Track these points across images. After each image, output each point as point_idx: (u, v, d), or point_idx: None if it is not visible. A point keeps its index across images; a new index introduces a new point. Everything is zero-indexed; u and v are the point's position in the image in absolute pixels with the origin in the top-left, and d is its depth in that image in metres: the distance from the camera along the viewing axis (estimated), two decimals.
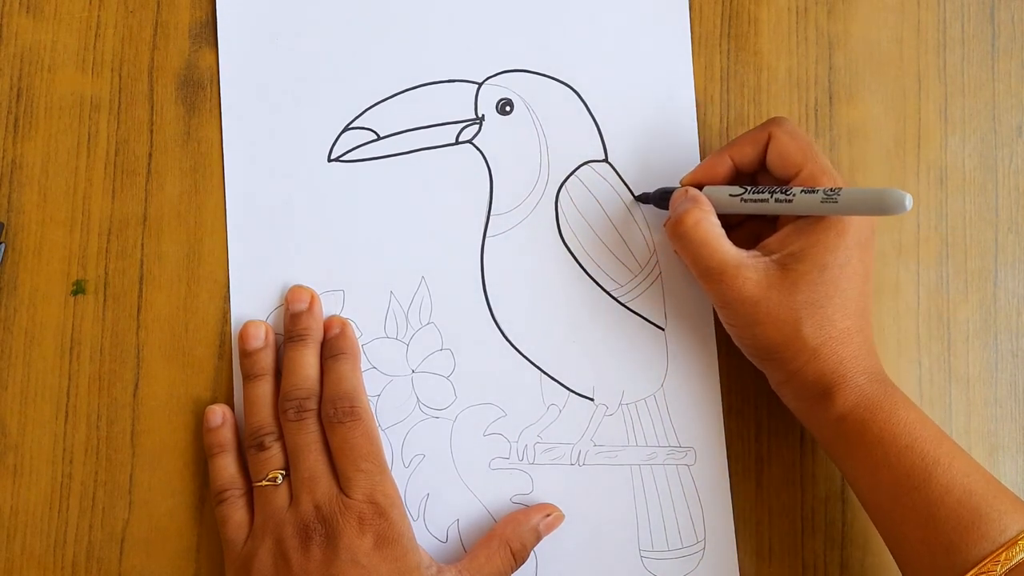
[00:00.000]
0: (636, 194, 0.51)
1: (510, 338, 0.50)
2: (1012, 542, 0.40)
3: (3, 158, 0.51)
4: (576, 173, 0.51)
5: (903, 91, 0.53)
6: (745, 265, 0.45)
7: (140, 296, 0.50)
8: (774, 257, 0.45)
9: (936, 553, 0.41)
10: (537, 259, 0.51)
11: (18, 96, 0.51)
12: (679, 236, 0.46)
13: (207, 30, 0.52)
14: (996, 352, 0.52)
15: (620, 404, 0.50)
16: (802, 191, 0.44)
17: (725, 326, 0.47)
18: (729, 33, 0.53)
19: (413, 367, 0.50)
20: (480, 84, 0.52)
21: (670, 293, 0.51)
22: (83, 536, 0.49)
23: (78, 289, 0.50)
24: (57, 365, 0.50)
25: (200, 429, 0.49)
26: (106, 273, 0.50)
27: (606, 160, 0.51)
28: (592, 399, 0.50)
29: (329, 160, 0.51)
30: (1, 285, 0.50)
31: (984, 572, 0.40)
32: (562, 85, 0.52)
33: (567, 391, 0.50)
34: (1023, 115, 0.53)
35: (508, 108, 0.51)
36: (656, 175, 0.51)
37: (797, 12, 0.53)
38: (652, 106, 0.52)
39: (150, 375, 0.50)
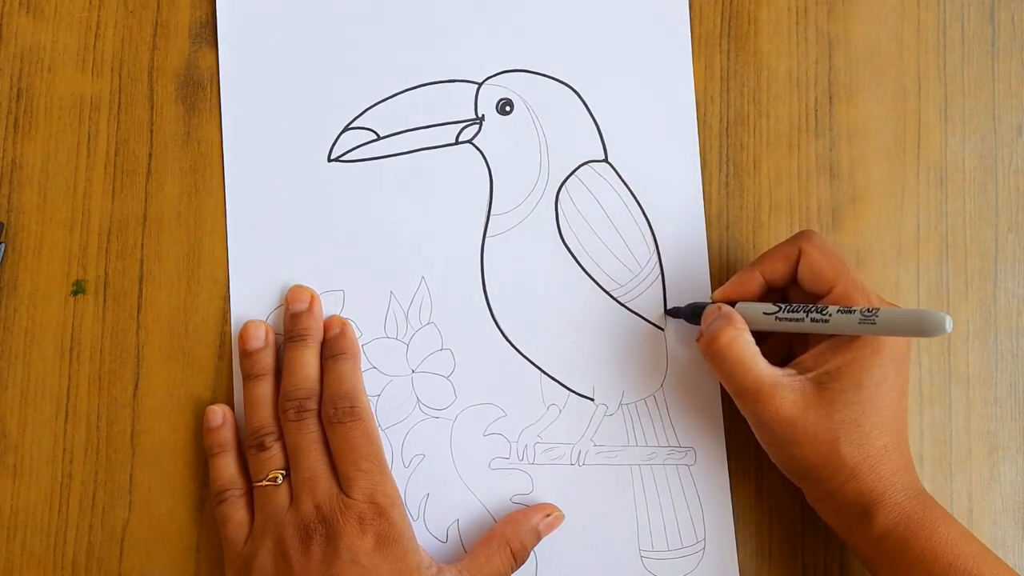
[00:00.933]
0: (667, 308, 0.50)
1: (510, 338, 0.50)
2: None
3: (3, 158, 0.51)
4: (576, 173, 0.51)
5: (903, 91, 0.53)
6: (781, 385, 0.44)
7: (140, 296, 0.50)
8: (810, 375, 0.45)
9: None
10: (537, 259, 0.51)
11: (18, 96, 0.51)
12: (713, 354, 0.46)
13: (207, 30, 0.52)
14: (996, 352, 0.52)
15: (620, 404, 0.50)
16: (839, 311, 0.44)
17: (762, 444, 0.47)
18: (729, 33, 0.53)
19: (413, 367, 0.50)
20: (480, 84, 0.52)
21: (670, 293, 0.51)
22: (83, 536, 0.49)
23: (78, 289, 0.50)
24: (57, 365, 0.50)
25: (200, 429, 0.49)
26: (106, 273, 0.50)
27: (606, 160, 0.51)
28: (592, 399, 0.50)
29: (329, 160, 0.51)
30: (1, 285, 0.50)
31: None
32: (562, 85, 0.52)
33: (567, 391, 0.50)
34: (1023, 115, 0.53)
35: (508, 108, 0.51)
36: (656, 175, 0.51)
37: (797, 12, 0.53)
38: (652, 106, 0.52)
39: (150, 375, 0.50)
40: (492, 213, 0.51)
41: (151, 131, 0.51)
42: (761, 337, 0.47)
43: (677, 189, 0.51)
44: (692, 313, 0.49)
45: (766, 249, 0.48)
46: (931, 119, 0.53)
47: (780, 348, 0.49)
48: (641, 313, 0.51)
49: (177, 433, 0.50)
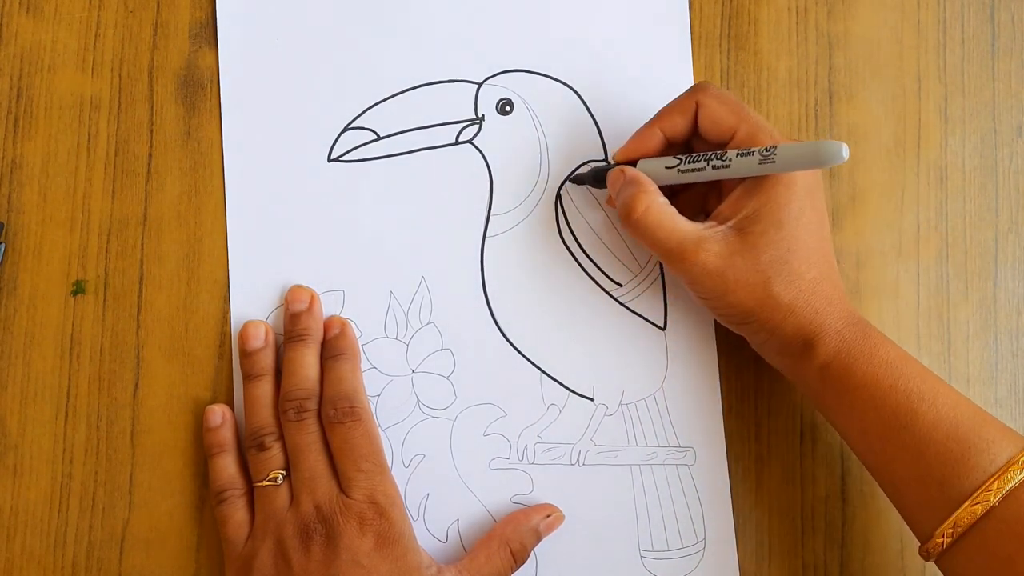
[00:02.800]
0: (570, 176, 0.50)
1: (510, 338, 0.50)
2: (1003, 470, 0.40)
3: (3, 158, 0.51)
4: (571, 178, 0.51)
5: (903, 91, 0.53)
6: (704, 238, 0.45)
7: (140, 296, 0.50)
8: (730, 224, 0.45)
9: (930, 488, 0.42)
10: (537, 259, 0.51)
11: (18, 96, 0.51)
12: (632, 224, 0.46)
13: (207, 30, 0.52)
14: (996, 352, 0.52)
15: (620, 404, 0.50)
16: (738, 154, 0.44)
17: (696, 300, 0.47)
18: (729, 33, 0.53)
19: (413, 367, 0.50)
20: (480, 84, 0.52)
21: (670, 293, 0.51)
22: (83, 536, 0.49)
23: (78, 289, 0.50)
24: (57, 365, 0.50)
25: (200, 429, 0.49)
26: (106, 273, 0.50)
27: (606, 160, 0.51)
28: (592, 399, 0.50)
29: (329, 160, 0.51)
30: (1, 285, 0.50)
31: (978, 502, 0.40)
32: (562, 85, 0.52)
33: (567, 391, 0.50)
34: (1023, 115, 0.53)
35: (508, 108, 0.51)
36: None
37: (797, 12, 0.53)
38: (652, 106, 0.52)
39: (150, 375, 0.50)
40: (492, 213, 0.51)
41: (151, 131, 0.51)
42: (675, 192, 0.48)
43: None
44: (595, 177, 0.49)
45: None
46: (931, 119, 0.53)
47: (695, 202, 0.49)
48: (641, 313, 0.51)
49: (177, 433, 0.50)
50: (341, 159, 0.51)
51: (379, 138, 0.51)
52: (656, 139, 0.47)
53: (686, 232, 0.45)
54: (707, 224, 0.45)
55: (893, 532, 0.50)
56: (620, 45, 0.52)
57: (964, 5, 0.54)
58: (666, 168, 0.46)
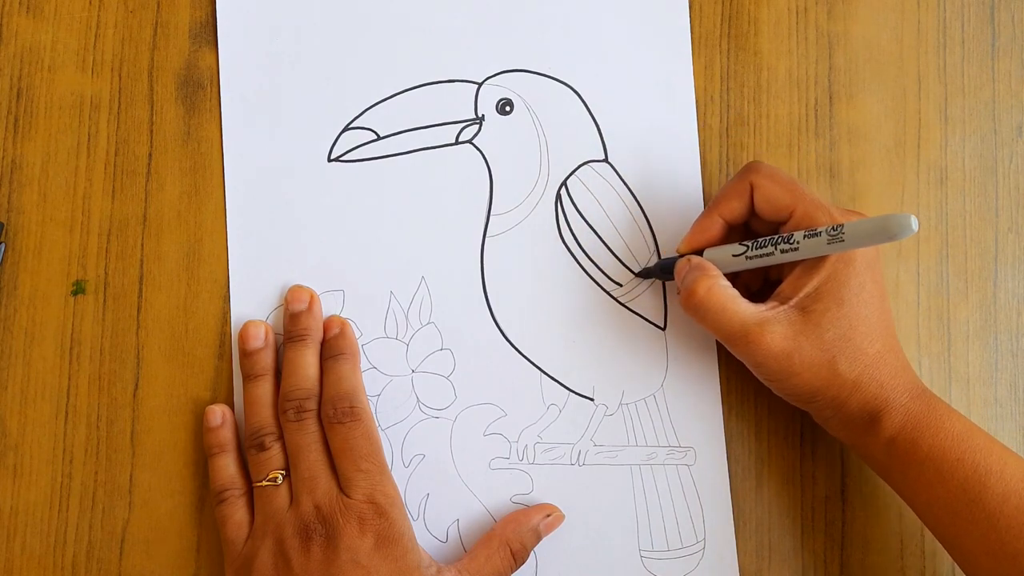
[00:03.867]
0: (636, 271, 0.51)
1: (510, 338, 0.50)
2: None
3: (3, 158, 0.51)
4: (576, 173, 0.51)
5: (903, 91, 0.53)
6: (767, 320, 0.44)
7: (140, 296, 0.50)
8: (792, 303, 0.45)
9: (1002, 562, 0.41)
10: (537, 259, 0.51)
11: (18, 96, 0.51)
12: (695, 307, 0.46)
13: (207, 30, 0.52)
14: (996, 352, 0.52)
15: (620, 404, 0.50)
16: (805, 235, 0.44)
17: (763, 381, 0.47)
18: (729, 33, 0.53)
19: (413, 367, 0.50)
20: (480, 84, 0.52)
21: (670, 293, 0.51)
22: (83, 536, 0.49)
23: (78, 289, 0.50)
24: (57, 365, 0.50)
25: (200, 429, 0.49)
26: (106, 273, 0.50)
27: (606, 160, 0.51)
28: (592, 399, 0.50)
29: (329, 160, 0.51)
30: (1, 285, 0.50)
31: None
32: (562, 85, 0.52)
33: (567, 391, 0.50)
34: (1023, 115, 0.53)
35: (508, 108, 0.51)
36: (656, 175, 0.51)
37: (797, 12, 0.53)
38: (652, 106, 0.52)
39: (150, 375, 0.50)
40: (492, 213, 0.51)
41: (151, 131, 0.51)
42: (733, 275, 0.48)
43: (677, 189, 0.51)
44: (662, 270, 0.49)
45: None
46: (931, 119, 0.53)
47: (754, 280, 0.49)
48: (641, 313, 0.51)
49: (177, 433, 0.50)
50: (341, 159, 0.51)
51: (379, 138, 0.51)
52: (717, 226, 0.47)
53: (749, 314, 0.45)
54: (769, 305, 0.45)
55: (893, 532, 0.50)
56: (620, 45, 0.52)
57: (964, 5, 0.54)
58: (733, 256, 0.46)
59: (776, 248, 0.45)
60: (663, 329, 0.51)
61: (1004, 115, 0.53)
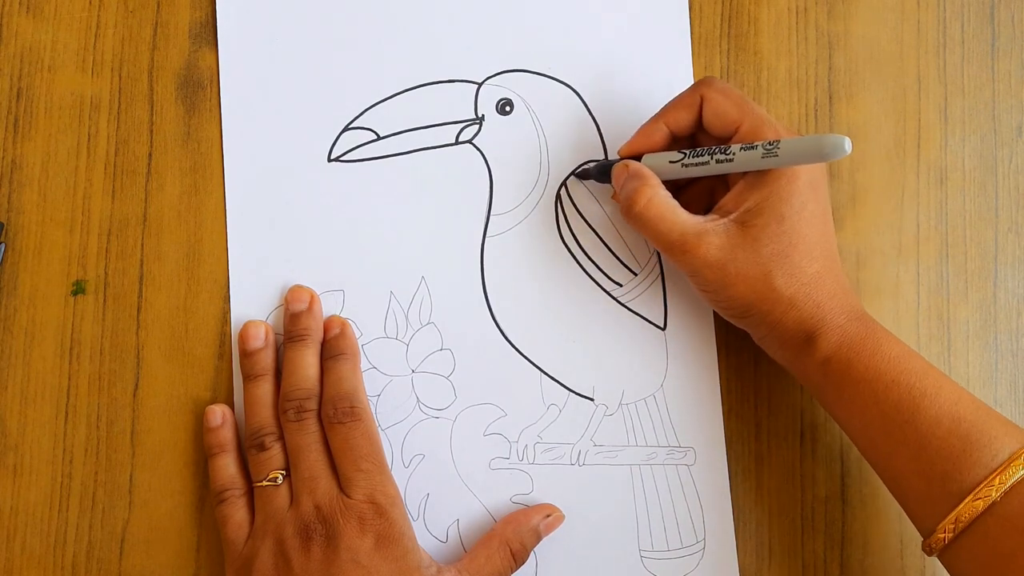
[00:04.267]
0: (576, 171, 0.51)
1: (510, 338, 0.50)
2: (1005, 465, 0.40)
3: (3, 158, 0.51)
4: (576, 173, 0.51)
5: (903, 91, 0.53)
6: (705, 231, 0.45)
7: (140, 296, 0.50)
8: (732, 217, 0.45)
9: (932, 484, 0.42)
10: (537, 259, 0.51)
11: (18, 96, 0.51)
12: (634, 217, 0.46)
13: (207, 30, 0.52)
14: (996, 352, 0.52)
15: (620, 404, 0.50)
16: (742, 148, 0.44)
17: (698, 293, 0.47)
18: (729, 33, 0.53)
19: (413, 367, 0.50)
20: (480, 84, 0.52)
21: (670, 293, 0.51)
22: (83, 536, 0.49)
23: (78, 289, 0.50)
24: (57, 365, 0.50)
25: (200, 429, 0.49)
26: (106, 273, 0.50)
27: (606, 159, 0.51)
28: (592, 399, 0.50)
29: (329, 160, 0.51)
30: (1, 285, 0.50)
31: (980, 498, 0.40)
32: (562, 85, 0.52)
33: (567, 391, 0.50)
34: (1023, 115, 0.53)
35: (508, 108, 0.51)
36: None
37: (797, 12, 0.53)
38: (652, 106, 0.52)
39: (150, 375, 0.50)
40: (492, 213, 0.51)
41: (151, 131, 0.51)
42: (681, 187, 0.48)
43: None
44: (600, 172, 0.49)
45: None
46: (931, 119, 0.53)
47: (703, 197, 0.49)
48: (641, 313, 0.51)
49: (177, 433, 0.50)
50: (341, 159, 0.51)
51: (379, 138, 0.51)
52: (661, 134, 0.47)
53: (688, 225, 0.45)
54: (709, 217, 0.45)
55: (893, 532, 0.50)
56: (620, 45, 0.52)
57: (964, 5, 0.54)
58: (670, 162, 0.46)
59: (712, 158, 0.45)
60: (663, 329, 0.51)
61: (1004, 115, 0.53)
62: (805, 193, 0.44)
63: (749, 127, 0.45)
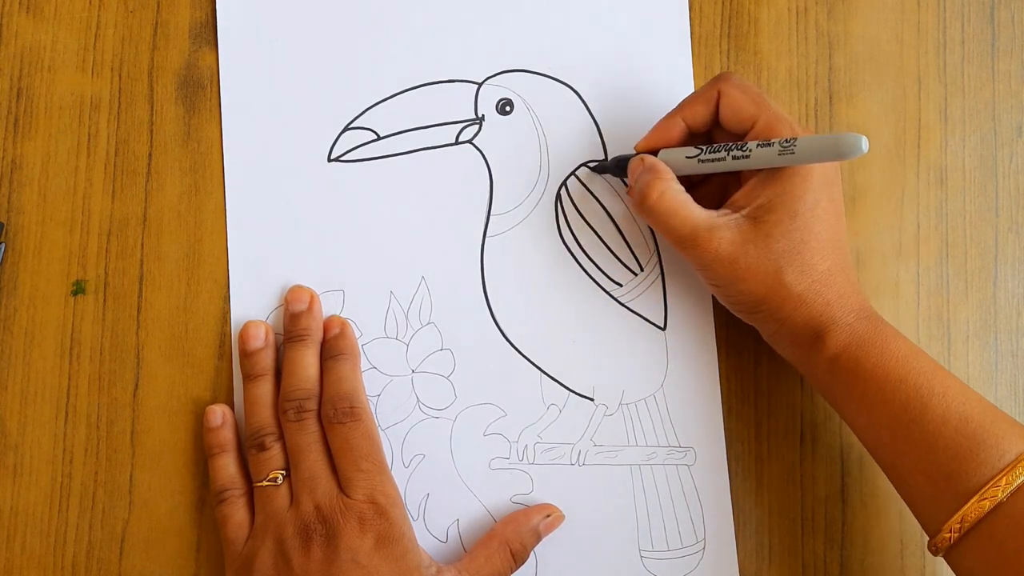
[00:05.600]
0: (591, 164, 0.51)
1: (510, 338, 0.50)
2: (1012, 465, 0.40)
3: (3, 158, 0.51)
4: (576, 173, 0.51)
5: (903, 91, 0.53)
6: (717, 226, 0.45)
7: (140, 296, 0.50)
8: (744, 212, 0.45)
9: (938, 483, 0.42)
10: (537, 259, 0.51)
11: (18, 96, 0.51)
12: (647, 211, 0.46)
13: (207, 30, 0.52)
14: (996, 352, 0.52)
15: (620, 404, 0.50)
16: (758, 145, 0.44)
17: (709, 287, 0.47)
18: (729, 33, 0.53)
19: (413, 367, 0.50)
20: (480, 84, 0.52)
21: (670, 293, 0.51)
22: (83, 536, 0.49)
23: (78, 289, 0.50)
24: (57, 365, 0.50)
25: (200, 429, 0.49)
26: (106, 273, 0.50)
27: (606, 159, 0.51)
28: (592, 399, 0.50)
29: (329, 160, 0.51)
30: (1, 285, 0.50)
31: (986, 498, 0.40)
32: (562, 85, 0.52)
33: (567, 391, 0.50)
34: (1023, 115, 0.53)
35: (508, 108, 0.51)
36: None
37: (797, 12, 0.53)
38: (652, 106, 0.52)
39: (150, 375, 0.50)
40: (492, 213, 0.51)
41: (151, 131, 0.51)
42: (695, 183, 0.48)
43: None
44: (617, 166, 0.49)
45: None
46: (931, 119, 0.53)
47: (716, 193, 0.49)
48: (641, 313, 0.51)
49: (177, 433, 0.50)
50: (341, 159, 0.51)
51: (379, 138, 0.51)
52: (678, 129, 0.47)
53: (699, 219, 0.45)
54: (721, 212, 0.46)
55: (893, 532, 0.50)
56: (620, 45, 0.52)
57: (964, 5, 0.54)
58: (686, 158, 0.46)
59: (728, 154, 0.45)
60: (663, 329, 0.51)
61: (1004, 115, 0.53)
62: (818, 190, 0.44)
63: (765, 123, 0.45)
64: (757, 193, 0.45)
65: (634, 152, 0.49)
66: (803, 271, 0.44)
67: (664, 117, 0.48)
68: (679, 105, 0.48)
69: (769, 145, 0.44)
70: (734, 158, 0.45)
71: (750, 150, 0.44)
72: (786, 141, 0.43)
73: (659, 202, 0.45)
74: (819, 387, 0.46)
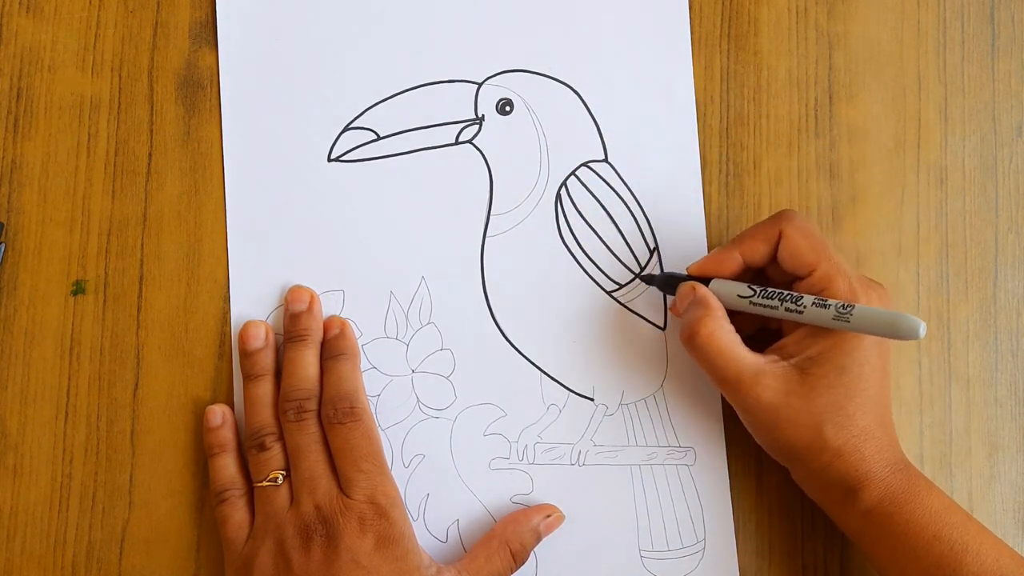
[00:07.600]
0: (639, 273, 0.51)
1: (510, 338, 0.50)
2: None
3: (3, 158, 0.51)
4: (576, 173, 0.51)
5: (903, 91, 0.53)
6: (763, 372, 0.44)
7: (140, 296, 0.50)
8: (792, 361, 0.45)
9: None
10: (537, 259, 0.51)
11: (18, 96, 0.51)
12: (695, 348, 0.46)
13: (207, 30, 0.52)
14: (996, 352, 0.52)
15: (620, 404, 0.50)
16: (814, 303, 0.43)
17: (747, 427, 0.47)
18: (729, 33, 0.53)
19: (413, 367, 0.50)
20: (480, 84, 0.52)
21: (670, 294, 0.51)
22: (83, 536, 0.49)
23: (78, 289, 0.50)
24: (57, 365, 0.50)
25: (200, 429, 0.49)
26: (106, 273, 0.50)
27: (606, 160, 0.51)
28: (592, 399, 0.50)
29: (329, 160, 0.51)
30: (1, 285, 0.50)
31: None
32: (562, 85, 0.52)
33: (567, 391, 0.50)
34: (1023, 115, 0.53)
35: (508, 108, 0.51)
36: (656, 175, 0.51)
37: (797, 12, 0.53)
38: (652, 106, 0.52)
39: (150, 375, 0.50)
40: (492, 213, 0.51)
41: (151, 131, 0.51)
42: (732, 311, 0.47)
43: (677, 189, 0.51)
44: (665, 283, 0.49)
45: None
46: (931, 119, 0.53)
47: (755, 318, 0.49)
48: (641, 313, 0.51)
49: (177, 433, 0.50)
50: (341, 159, 0.51)
51: (379, 138, 0.51)
52: (734, 263, 0.47)
53: (746, 363, 0.45)
54: (769, 358, 0.45)
55: None
56: (620, 45, 0.52)
57: (964, 5, 0.54)
58: (739, 296, 0.46)
59: (782, 304, 0.44)
60: (663, 329, 0.51)
61: (1004, 115, 0.53)
62: (870, 349, 0.44)
63: (824, 274, 0.44)
64: (807, 344, 0.44)
65: (686, 273, 0.48)
66: (843, 425, 0.44)
67: (722, 248, 0.47)
68: (739, 237, 0.47)
69: (825, 306, 0.43)
70: (787, 310, 0.44)
71: (804, 306, 0.44)
72: (843, 307, 0.43)
73: (707, 342, 0.45)
74: (850, 534, 0.46)
